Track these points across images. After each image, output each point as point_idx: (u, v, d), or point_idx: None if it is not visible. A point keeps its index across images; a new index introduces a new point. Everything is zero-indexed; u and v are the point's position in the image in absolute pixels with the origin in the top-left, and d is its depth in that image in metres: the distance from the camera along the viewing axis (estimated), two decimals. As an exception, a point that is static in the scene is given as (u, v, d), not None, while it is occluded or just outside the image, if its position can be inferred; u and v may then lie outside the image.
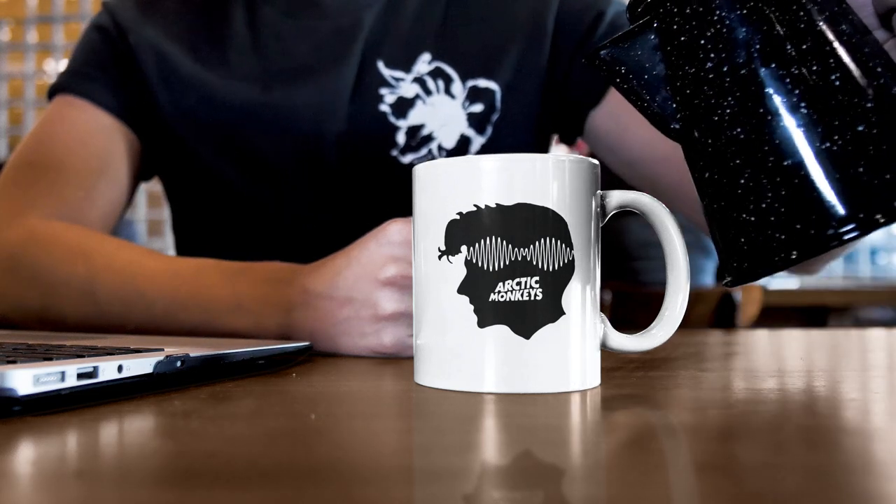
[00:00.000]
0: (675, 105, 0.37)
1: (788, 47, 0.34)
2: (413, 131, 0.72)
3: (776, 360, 0.52)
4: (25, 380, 0.29)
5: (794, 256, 0.33)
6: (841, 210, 0.32)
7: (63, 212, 0.66)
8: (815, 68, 0.33)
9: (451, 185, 0.37)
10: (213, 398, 0.34)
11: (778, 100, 0.33)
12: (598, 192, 0.38)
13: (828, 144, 0.33)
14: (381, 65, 0.72)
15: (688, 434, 0.29)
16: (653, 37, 0.37)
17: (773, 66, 0.34)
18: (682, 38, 0.36)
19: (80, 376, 0.31)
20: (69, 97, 0.73)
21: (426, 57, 0.73)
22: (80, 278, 0.58)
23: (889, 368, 0.46)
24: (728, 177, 0.35)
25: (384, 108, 0.72)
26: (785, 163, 0.33)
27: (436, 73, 0.72)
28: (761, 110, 0.34)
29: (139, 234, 2.67)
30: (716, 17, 0.35)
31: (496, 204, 0.35)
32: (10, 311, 0.61)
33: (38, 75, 3.17)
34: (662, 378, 0.40)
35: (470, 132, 0.72)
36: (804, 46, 0.34)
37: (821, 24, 0.34)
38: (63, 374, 0.30)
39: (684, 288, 0.38)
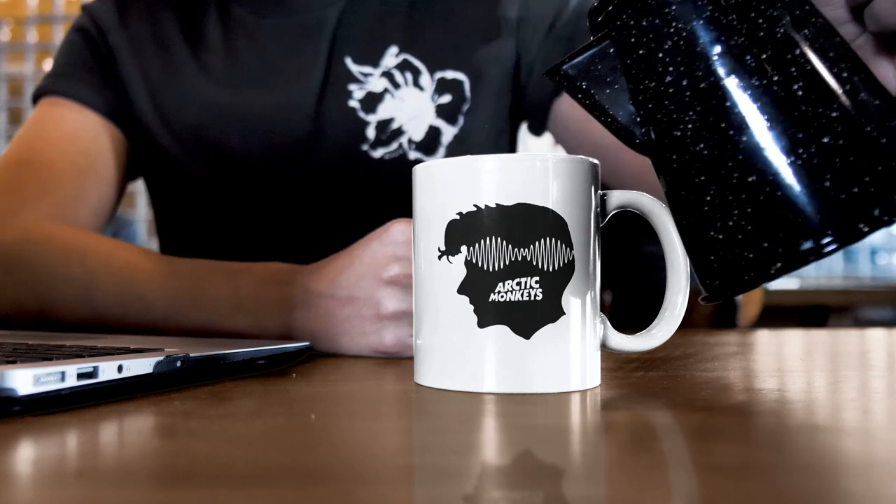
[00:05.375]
0: (638, 119, 0.36)
1: (748, 58, 0.32)
2: (382, 125, 0.72)
3: (776, 360, 0.52)
4: (25, 380, 0.29)
5: (761, 276, 0.33)
6: (807, 226, 0.31)
7: (55, 211, 0.66)
8: (776, 78, 0.32)
9: (450, 185, 0.37)
10: (213, 398, 0.34)
11: (739, 113, 0.32)
12: (598, 192, 0.38)
13: (792, 158, 0.31)
14: (348, 61, 0.73)
15: (688, 434, 0.29)
16: (612, 50, 0.36)
17: (733, 78, 0.33)
18: (641, 52, 0.35)
19: (80, 376, 0.31)
20: (54, 98, 0.73)
21: (393, 50, 0.73)
22: (77, 280, 0.58)
23: (889, 368, 0.46)
24: (694, 194, 0.34)
25: (353, 103, 0.72)
26: (749, 179, 0.32)
27: (403, 66, 0.73)
28: (723, 125, 0.33)
29: (139, 234, 2.67)
30: (672, 29, 0.34)
31: (496, 204, 0.35)
32: (6, 313, 0.61)
33: (38, 75, 3.17)
34: (662, 378, 0.40)
35: (439, 123, 0.73)
36: (764, 56, 0.32)
37: (782, 30, 0.33)
38: (63, 374, 0.30)
39: (684, 288, 0.38)
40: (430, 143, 0.73)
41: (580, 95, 0.37)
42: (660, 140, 0.35)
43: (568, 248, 0.36)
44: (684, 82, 0.34)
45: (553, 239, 0.35)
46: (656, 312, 0.39)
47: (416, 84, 0.73)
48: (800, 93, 0.32)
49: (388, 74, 0.73)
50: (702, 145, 0.33)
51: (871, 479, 0.23)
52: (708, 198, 0.34)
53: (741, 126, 0.32)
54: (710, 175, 0.33)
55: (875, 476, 0.23)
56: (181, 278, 0.55)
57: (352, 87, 0.72)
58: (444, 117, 0.73)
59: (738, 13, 0.33)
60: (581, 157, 0.37)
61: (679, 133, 0.34)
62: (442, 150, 0.73)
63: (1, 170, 0.70)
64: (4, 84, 3.19)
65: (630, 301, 1.66)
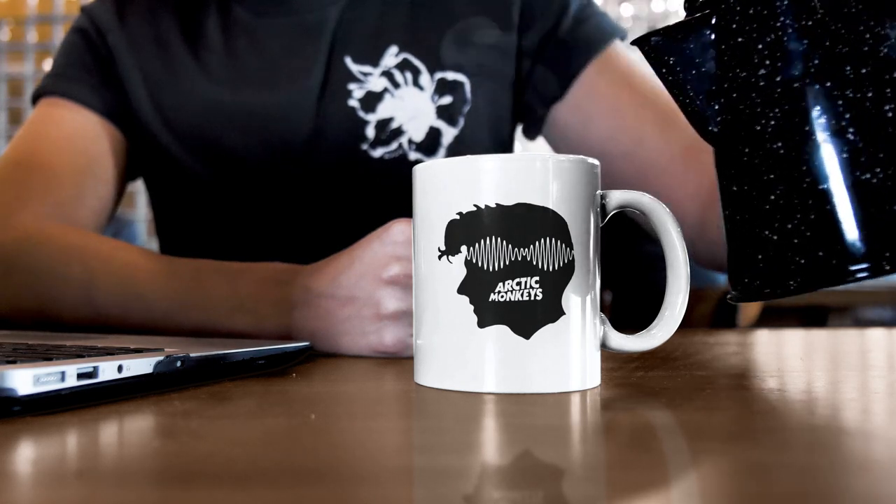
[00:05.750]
0: (717, 107, 0.36)
1: (848, 68, 0.33)
2: (382, 125, 0.72)
3: (776, 359, 0.52)
4: (25, 380, 0.29)
5: (808, 284, 0.33)
6: (866, 246, 0.32)
7: (54, 211, 0.66)
8: (870, 94, 0.32)
9: (451, 185, 0.37)
10: (213, 398, 0.34)
11: (826, 120, 0.33)
12: (598, 192, 0.38)
13: (868, 176, 0.32)
14: (348, 60, 0.73)
15: (688, 434, 0.29)
16: (708, 32, 0.36)
17: (829, 84, 0.33)
18: (739, 39, 0.35)
19: (80, 376, 0.31)
20: (53, 99, 0.73)
21: (393, 50, 0.73)
22: (77, 280, 0.58)
23: (889, 368, 0.46)
24: (758, 190, 0.34)
25: (353, 103, 0.72)
26: (820, 186, 0.33)
27: (403, 66, 0.73)
28: (807, 128, 0.33)
29: (139, 234, 2.67)
30: (779, 24, 0.34)
31: (496, 204, 0.35)
32: (6, 313, 0.61)
33: (38, 75, 3.17)
34: (662, 378, 0.40)
35: (440, 124, 0.73)
36: (864, 70, 0.33)
37: (886, 50, 0.33)
38: (63, 374, 0.30)
39: (684, 288, 0.38)
40: (430, 144, 0.73)
41: (664, 70, 0.37)
42: (735, 131, 0.35)
43: (568, 248, 0.36)
44: (777, 78, 0.34)
45: (553, 239, 0.35)
46: (656, 312, 0.39)
47: (416, 84, 0.73)
48: (890, 114, 0.32)
49: (387, 74, 0.73)
50: (780, 144, 0.34)
51: (871, 479, 0.23)
52: (772, 197, 0.34)
53: (825, 133, 0.33)
54: (780, 175, 0.34)
55: (875, 476, 0.23)
56: (181, 278, 0.55)
57: (351, 86, 0.72)
58: (445, 118, 0.73)
59: (846, 23, 0.33)
60: (581, 156, 0.37)
61: (759, 128, 0.34)
62: (442, 151, 0.73)
63: (0, 170, 0.70)
64: (4, 84, 3.19)
65: (630, 301, 1.66)
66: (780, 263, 0.34)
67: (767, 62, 0.34)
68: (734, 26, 0.35)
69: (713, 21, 0.36)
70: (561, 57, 0.74)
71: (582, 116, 0.74)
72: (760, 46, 0.34)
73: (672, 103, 0.71)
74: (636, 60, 0.75)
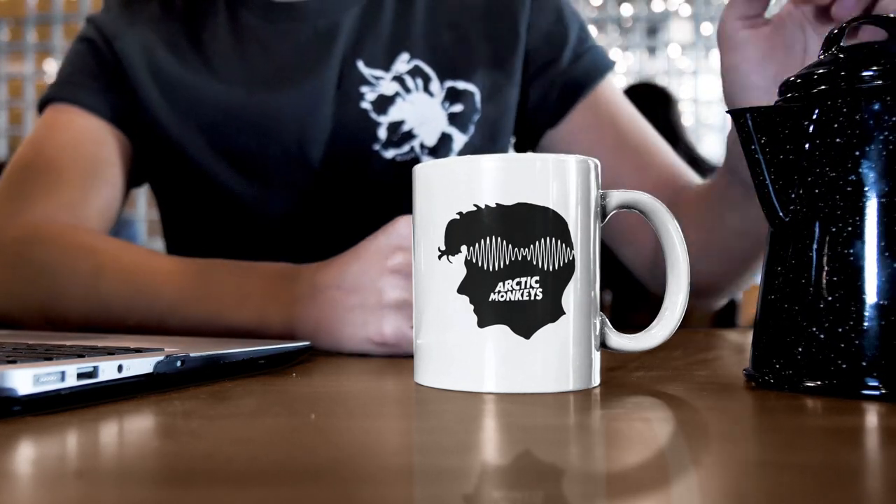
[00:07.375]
0: (794, 196, 0.36)
1: None
2: (394, 127, 0.74)
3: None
4: (25, 380, 0.29)
5: (844, 389, 0.34)
6: None
7: (61, 211, 0.67)
8: None
9: (451, 185, 0.37)
10: (213, 398, 0.34)
11: None
12: (598, 191, 0.38)
13: None
14: (360, 64, 0.74)
15: (688, 434, 0.29)
16: (806, 123, 0.35)
17: None
18: (837, 140, 0.35)
19: (80, 376, 0.31)
20: (60, 105, 0.74)
21: (405, 56, 0.75)
22: (85, 274, 0.58)
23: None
24: (816, 287, 0.35)
25: (365, 105, 0.74)
26: (881, 302, 0.33)
27: (414, 72, 0.75)
28: (883, 244, 0.33)
29: (139, 234, 2.68)
30: (881, 136, 0.34)
31: (496, 204, 0.35)
32: (12, 308, 0.62)
33: (37, 75, 3.17)
34: (662, 378, 0.40)
35: (451, 130, 0.75)
36: None
37: None
38: (63, 373, 0.30)
39: (684, 288, 0.38)
40: (441, 149, 0.75)
41: (752, 147, 0.36)
42: (808, 226, 0.35)
43: (568, 248, 0.36)
44: (866, 188, 0.34)
45: (553, 239, 0.35)
46: (656, 312, 0.39)
47: (427, 90, 0.74)
48: None
49: (399, 79, 0.74)
50: (851, 251, 0.34)
51: (871, 479, 0.23)
52: (830, 297, 0.34)
53: None
54: (844, 280, 0.34)
55: (875, 475, 0.23)
56: (188, 274, 0.56)
57: (364, 89, 0.74)
58: (457, 125, 0.75)
59: None
60: (581, 156, 0.37)
61: (835, 230, 0.34)
62: (453, 157, 0.75)
63: (8, 173, 0.71)
64: (4, 84, 3.19)
65: (630, 301, 1.66)
66: (819, 361, 0.34)
67: (861, 170, 0.34)
68: (835, 126, 0.35)
69: (814, 115, 0.35)
70: (557, 88, 0.77)
71: (572, 147, 0.77)
72: (857, 153, 0.34)
73: (647, 144, 0.75)
74: (622, 99, 0.79)
